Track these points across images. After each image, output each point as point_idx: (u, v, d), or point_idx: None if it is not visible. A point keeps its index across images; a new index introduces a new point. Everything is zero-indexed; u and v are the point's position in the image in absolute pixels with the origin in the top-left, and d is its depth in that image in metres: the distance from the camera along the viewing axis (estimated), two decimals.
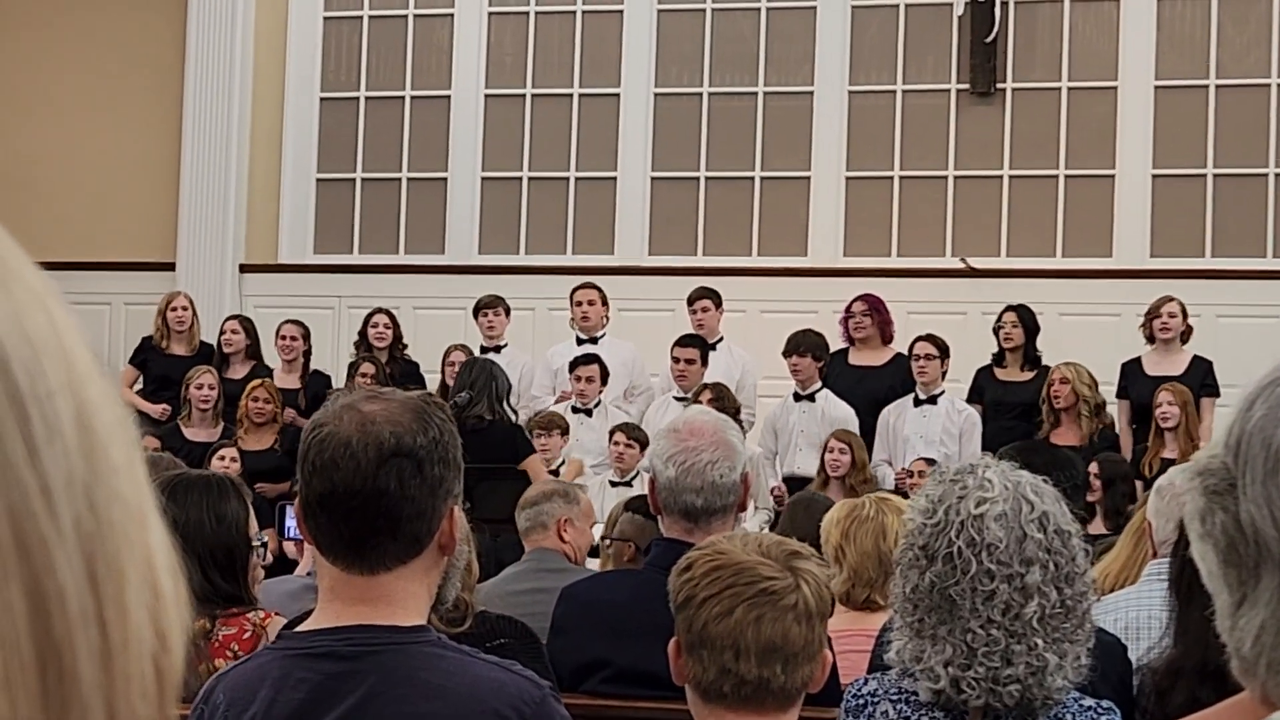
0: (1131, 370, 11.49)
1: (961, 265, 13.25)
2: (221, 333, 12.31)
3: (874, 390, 11.37)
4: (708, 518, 4.18)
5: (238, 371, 12.13)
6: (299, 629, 2.81)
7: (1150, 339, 11.50)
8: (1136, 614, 4.95)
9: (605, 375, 11.43)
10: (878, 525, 5.25)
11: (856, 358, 11.66)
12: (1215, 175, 13.07)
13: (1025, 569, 3.06)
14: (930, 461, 10.33)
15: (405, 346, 12.49)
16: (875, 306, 11.85)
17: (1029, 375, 11.50)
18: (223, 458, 10.64)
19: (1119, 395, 11.49)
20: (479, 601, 4.93)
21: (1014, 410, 11.34)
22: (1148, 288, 12.10)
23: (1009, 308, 11.75)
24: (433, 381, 12.04)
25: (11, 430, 0.76)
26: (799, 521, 6.44)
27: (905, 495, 8.74)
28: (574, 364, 11.44)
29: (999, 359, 11.72)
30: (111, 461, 0.80)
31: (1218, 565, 1.41)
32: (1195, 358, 11.39)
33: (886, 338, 11.87)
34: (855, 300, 11.92)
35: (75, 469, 0.78)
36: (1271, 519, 1.36)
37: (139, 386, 12.56)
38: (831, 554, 5.30)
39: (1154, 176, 13.16)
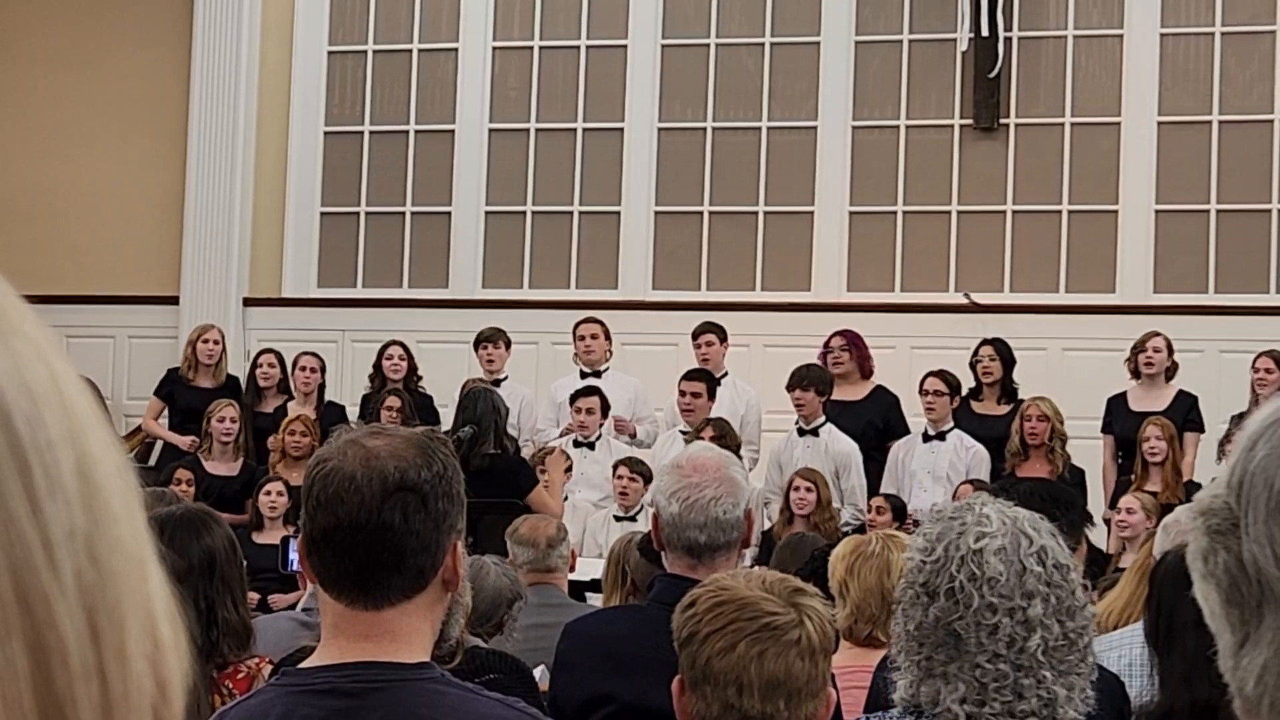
0: (1116, 405, 11.52)
1: (965, 300, 13.26)
2: (257, 366, 12.34)
3: (852, 425, 11.37)
4: (711, 554, 4.17)
5: (270, 405, 12.17)
6: (302, 665, 2.81)
7: (1135, 374, 11.53)
8: (1141, 651, 4.95)
9: (606, 408, 11.43)
10: (882, 561, 5.25)
11: (836, 393, 11.65)
12: (1218, 211, 13.08)
13: (1026, 602, 3.05)
14: (889, 498, 10.45)
15: (420, 379, 12.51)
16: (853, 342, 11.89)
17: (1005, 409, 11.52)
18: (269, 492, 10.66)
19: (1104, 430, 11.52)
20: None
21: (989, 444, 11.33)
22: (1151, 323, 12.10)
23: (985, 341, 11.79)
24: (446, 415, 12.03)
25: (14, 483, 0.76)
26: (786, 564, 6.43)
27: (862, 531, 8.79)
28: (574, 396, 11.45)
29: (976, 392, 11.75)
30: (112, 511, 0.80)
31: (1220, 605, 1.41)
32: (1180, 393, 11.44)
33: (866, 373, 11.92)
34: (833, 336, 11.96)
35: (76, 521, 0.78)
36: (1274, 559, 1.36)
37: (164, 419, 12.58)
38: (836, 589, 5.30)
39: (1157, 212, 13.17)
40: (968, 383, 11.77)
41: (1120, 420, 11.31)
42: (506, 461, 10.01)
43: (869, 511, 10.57)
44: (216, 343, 12.56)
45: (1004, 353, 11.69)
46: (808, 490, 10.44)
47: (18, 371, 0.79)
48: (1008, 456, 11.07)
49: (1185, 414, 11.24)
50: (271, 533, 10.46)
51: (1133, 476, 10.88)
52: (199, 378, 12.50)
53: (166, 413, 12.62)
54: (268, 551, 9.77)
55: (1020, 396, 11.56)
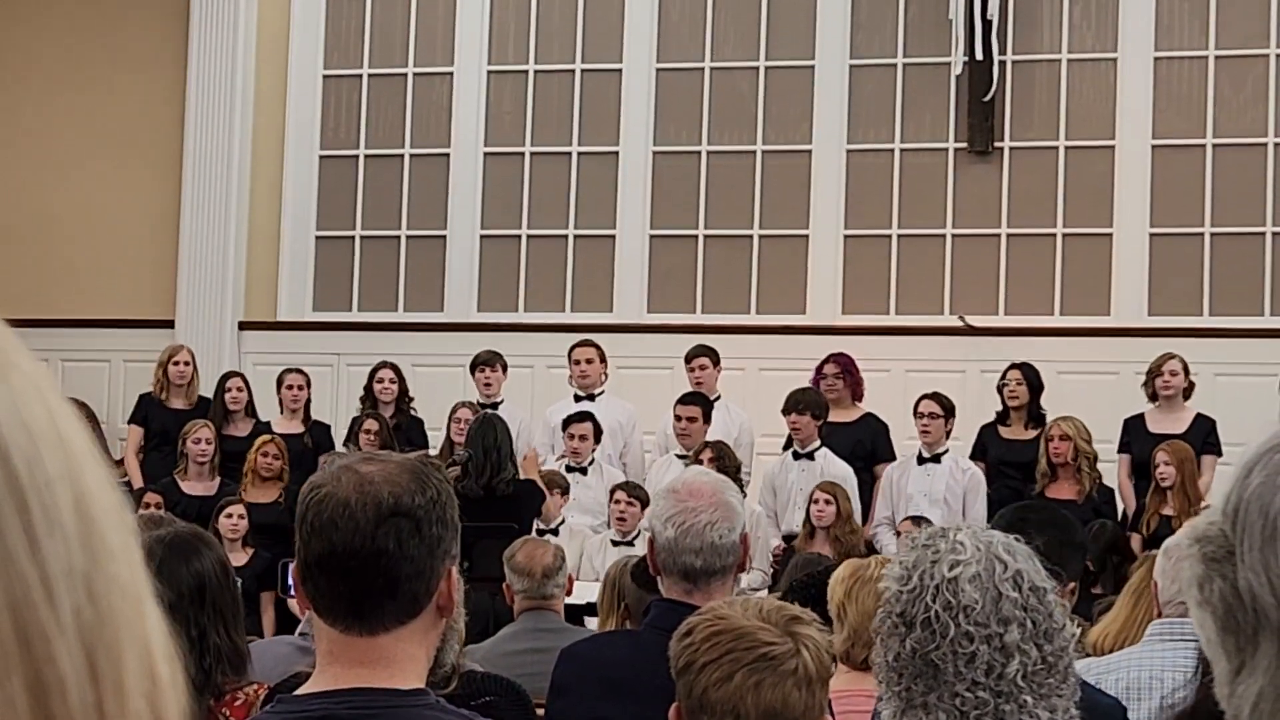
0: (1134, 426, 11.49)
1: (960, 323, 13.27)
2: (226, 390, 12.33)
3: (841, 446, 11.37)
4: (707, 579, 4.17)
5: (241, 428, 12.18)
6: (297, 692, 2.81)
7: (1153, 397, 11.50)
8: (1138, 674, 4.94)
9: (599, 433, 11.43)
10: (879, 587, 5.24)
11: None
12: (1213, 234, 13.09)
13: (1003, 629, 3.04)
14: (918, 521, 10.35)
15: (411, 400, 12.52)
16: (847, 368, 11.91)
17: (1033, 433, 11.47)
18: (230, 515, 10.67)
19: (1120, 450, 11.50)
20: (476, 662, 4.92)
21: (1018, 469, 11.33)
22: (1146, 346, 12.11)
23: (1013, 365, 11.76)
24: (435, 438, 12.06)
25: (12, 521, 0.76)
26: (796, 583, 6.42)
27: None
28: (567, 422, 11.45)
29: (1003, 417, 11.71)
30: (109, 548, 0.80)
31: (1216, 632, 1.41)
32: (1198, 416, 11.40)
33: (857, 397, 11.94)
34: (826, 361, 11.96)
35: (75, 559, 0.78)
36: (1269, 586, 1.36)
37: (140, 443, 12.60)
38: (834, 612, 5.30)
39: (1152, 235, 13.18)
40: (985, 405, 11.77)
41: (1139, 442, 11.28)
42: (520, 486, 10.04)
43: (897, 535, 10.54)
44: (187, 364, 12.59)
45: (1031, 377, 11.65)
46: (827, 503, 10.44)
47: (16, 410, 0.79)
48: (1038, 478, 11.09)
49: (1204, 437, 11.23)
50: (232, 555, 10.47)
51: (1146, 501, 10.89)
52: (172, 399, 12.53)
53: (143, 437, 12.63)
54: None
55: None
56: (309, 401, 12.44)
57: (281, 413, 12.38)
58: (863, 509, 11.14)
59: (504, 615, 7.21)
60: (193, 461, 11.63)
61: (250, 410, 12.40)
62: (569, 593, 7.05)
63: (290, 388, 12.35)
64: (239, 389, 12.37)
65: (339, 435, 12.23)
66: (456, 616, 3.90)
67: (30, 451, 0.78)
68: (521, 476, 10.39)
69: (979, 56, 13.24)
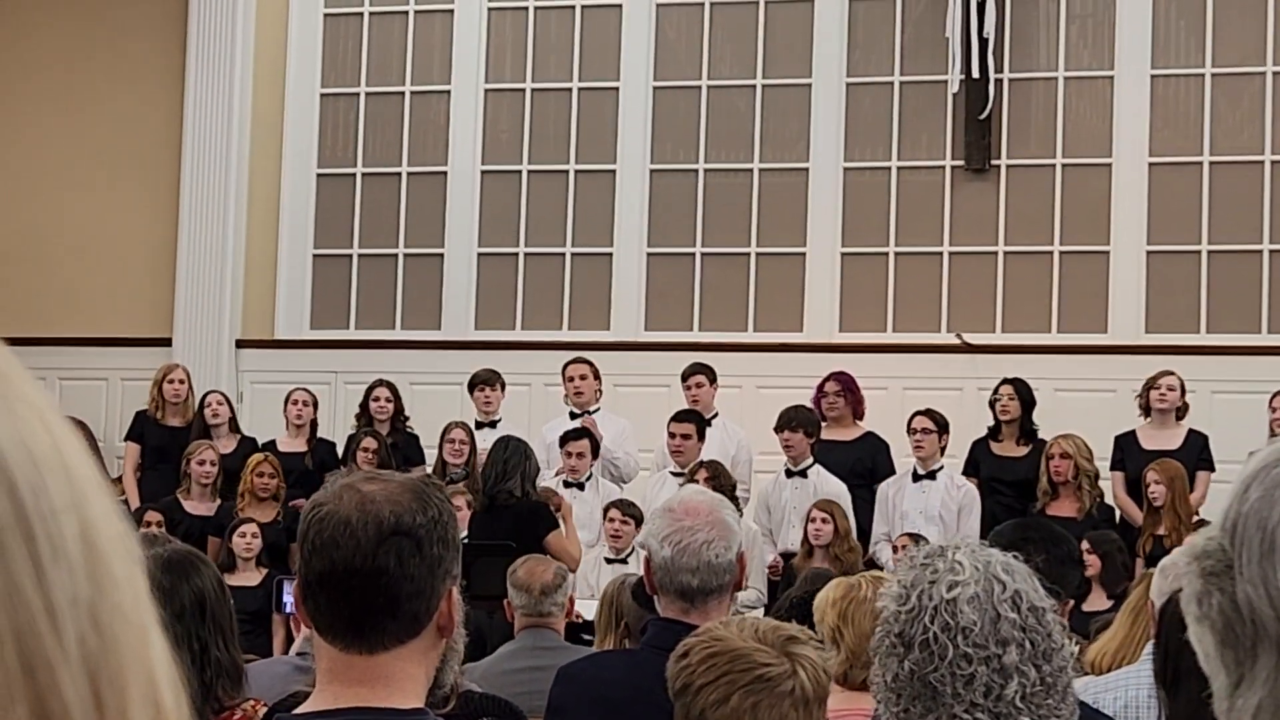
0: (1126, 443, 11.49)
1: (957, 341, 13.27)
2: (206, 405, 12.35)
3: (840, 463, 11.36)
4: (704, 598, 4.17)
5: (226, 444, 12.18)
6: (297, 711, 2.81)
7: (1146, 411, 11.50)
8: (1136, 693, 4.94)
9: (596, 450, 11.44)
10: (875, 606, 5.22)
11: (826, 432, 11.64)
12: (1209, 251, 13.11)
13: (1002, 650, 3.03)
14: (915, 537, 10.35)
15: (407, 419, 12.52)
16: (848, 386, 11.91)
17: (1024, 450, 11.47)
18: (243, 534, 10.68)
19: (1113, 468, 11.49)
20: (474, 680, 4.92)
21: (1009, 485, 11.32)
22: (1143, 363, 12.12)
23: (1005, 380, 11.76)
24: (431, 458, 12.06)
25: (19, 551, 0.77)
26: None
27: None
28: (564, 439, 11.45)
29: (995, 432, 11.71)
30: (114, 577, 0.80)
31: (1215, 647, 1.42)
32: (1191, 431, 11.40)
33: (858, 415, 11.94)
34: (828, 379, 11.96)
35: (80, 588, 0.79)
36: (1268, 599, 1.37)
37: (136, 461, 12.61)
38: (828, 635, 5.28)
39: (1148, 252, 13.19)
40: (982, 422, 11.77)
41: (1132, 459, 11.27)
42: (527, 504, 10.07)
43: (894, 550, 10.55)
44: (182, 382, 12.62)
45: (1023, 393, 11.64)
46: (824, 521, 10.42)
47: (21, 439, 0.79)
48: (1039, 496, 11.08)
49: (1198, 453, 11.23)
50: (245, 575, 10.49)
51: (1143, 522, 10.88)
52: (167, 417, 12.55)
53: (139, 455, 12.65)
54: (243, 594, 9.74)
55: (1040, 438, 11.51)
56: (315, 421, 12.45)
57: (288, 430, 12.39)
58: (864, 528, 11.13)
59: (500, 633, 7.21)
60: (196, 482, 11.65)
61: (234, 426, 12.43)
62: (569, 614, 7.04)
63: (295, 404, 12.38)
64: (218, 403, 12.41)
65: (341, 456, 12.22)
66: (456, 637, 3.90)
67: (36, 481, 0.79)
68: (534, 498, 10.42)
69: (975, 74, 13.26)
